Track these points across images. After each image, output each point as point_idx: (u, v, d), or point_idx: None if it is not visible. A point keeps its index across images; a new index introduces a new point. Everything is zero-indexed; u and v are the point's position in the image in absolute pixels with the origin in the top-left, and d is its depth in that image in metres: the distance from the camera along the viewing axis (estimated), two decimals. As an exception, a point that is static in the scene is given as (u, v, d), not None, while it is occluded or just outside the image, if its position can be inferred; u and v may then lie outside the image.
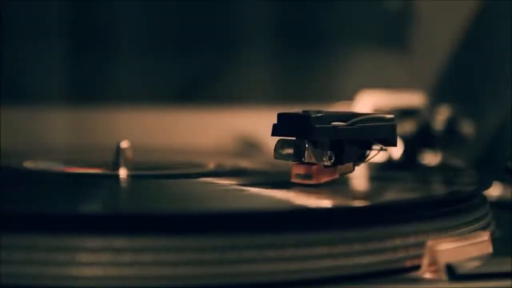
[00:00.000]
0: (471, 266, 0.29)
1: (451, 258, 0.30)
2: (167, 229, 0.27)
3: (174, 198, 0.34)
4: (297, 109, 0.36)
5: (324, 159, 0.34)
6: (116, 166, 0.41)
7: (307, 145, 0.34)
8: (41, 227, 0.27)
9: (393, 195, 0.37)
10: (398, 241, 0.30)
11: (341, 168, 0.36)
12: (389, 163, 0.49)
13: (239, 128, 0.66)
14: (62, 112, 0.64)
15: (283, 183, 0.35)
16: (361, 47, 0.69)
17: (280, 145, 0.35)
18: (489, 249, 0.32)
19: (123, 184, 0.38)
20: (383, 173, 0.45)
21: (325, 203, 0.32)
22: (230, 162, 0.47)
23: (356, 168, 0.37)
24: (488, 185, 0.38)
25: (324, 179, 0.35)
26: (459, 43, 0.63)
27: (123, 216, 0.28)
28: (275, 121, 0.35)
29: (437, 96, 0.61)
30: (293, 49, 0.69)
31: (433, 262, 0.30)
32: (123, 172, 0.40)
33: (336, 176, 0.35)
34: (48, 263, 0.27)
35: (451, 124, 0.52)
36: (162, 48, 0.67)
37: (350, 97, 0.61)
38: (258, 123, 0.54)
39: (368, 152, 0.36)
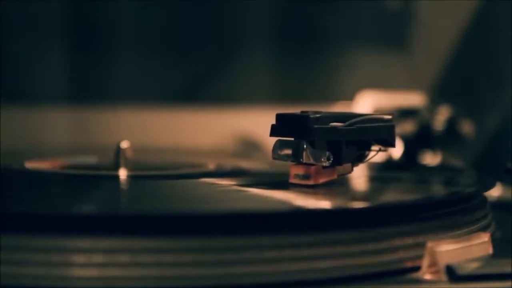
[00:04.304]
0: (471, 267, 0.29)
1: (451, 259, 0.30)
2: (166, 230, 0.27)
3: (174, 198, 0.34)
4: (297, 109, 0.36)
5: (322, 159, 0.34)
6: (116, 166, 0.41)
7: (305, 146, 0.34)
8: (41, 227, 0.27)
9: (393, 196, 0.37)
10: (398, 242, 0.30)
11: (339, 168, 0.35)
12: (389, 164, 0.49)
13: (239, 128, 0.66)
14: (62, 112, 0.64)
15: (283, 183, 0.35)
16: (361, 47, 0.69)
17: (278, 146, 0.35)
18: (489, 250, 0.32)
19: (123, 185, 0.38)
20: (383, 173, 0.45)
21: (324, 204, 0.32)
22: (230, 162, 0.47)
23: (355, 168, 0.36)
24: (490, 186, 0.38)
25: (323, 179, 0.35)
26: (459, 43, 0.63)
27: (122, 217, 0.28)
28: (274, 121, 0.35)
29: (437, 96, 0.61)
30: (293, 49, 0.69)
31: (433, 263, 0.30)
32: (123, 172, 0.40)
33: (335, 176, 0.35)
34: (48, 264, 0.27)
35: (451, 124, 0.52)
36: (162, 48, 0.67)
37: (350, 97, 0.61)
38: (258, 123, 0.54)
39: (366, 152, 0.36)
